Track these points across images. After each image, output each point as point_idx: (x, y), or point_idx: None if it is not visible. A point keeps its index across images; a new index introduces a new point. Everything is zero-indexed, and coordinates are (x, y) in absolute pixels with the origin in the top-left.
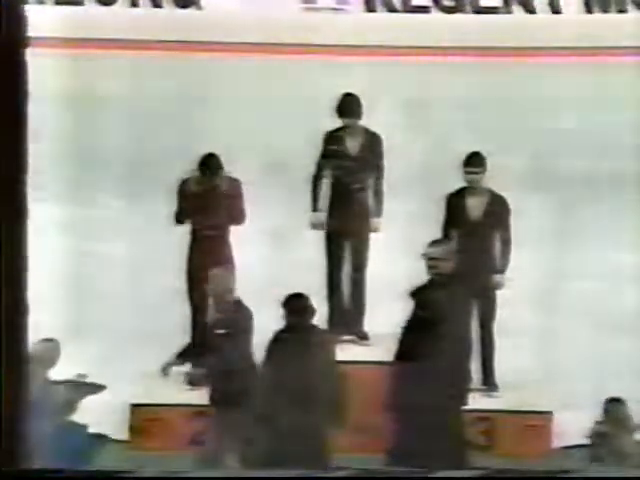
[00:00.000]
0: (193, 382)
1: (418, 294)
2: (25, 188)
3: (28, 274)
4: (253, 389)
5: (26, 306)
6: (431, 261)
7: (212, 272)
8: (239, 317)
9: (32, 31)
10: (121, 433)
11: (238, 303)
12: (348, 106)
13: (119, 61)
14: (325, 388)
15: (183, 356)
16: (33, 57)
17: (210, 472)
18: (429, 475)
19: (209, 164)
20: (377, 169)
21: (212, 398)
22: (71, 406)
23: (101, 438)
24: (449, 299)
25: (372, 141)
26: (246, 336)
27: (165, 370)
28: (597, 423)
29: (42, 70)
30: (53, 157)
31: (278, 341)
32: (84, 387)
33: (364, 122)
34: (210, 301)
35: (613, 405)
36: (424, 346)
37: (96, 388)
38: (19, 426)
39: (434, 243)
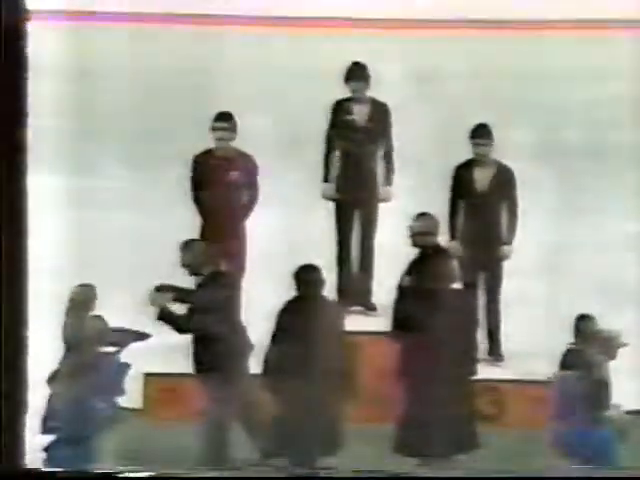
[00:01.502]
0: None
1: (410, 265)
2: (25, 161)
3: (28, 265)
4: (234, 357)
5: (26, 300)
6: (416, 235)
7: (182, 243)
8: (216, 287)
9: (32, 4)
10: (135, 402)
11: (217, 274)
12: (356, 71)
13: (121, 34)
14: (334, 358)
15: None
16: (34, 30)
17: (211, 472)
18: (429, 475)
19: (224, 119)
20: (385, 139)
21: (196, 367)
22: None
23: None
24: (440, 270)
25: (380, 111)
26: (225, 305)
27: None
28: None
29: (43, 43)
30: (57, 130)
31: (288, 311)
32: (131, 334)
33: (373, 94)
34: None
35: (583, 321)
36: (419, 315)
37: (142, 335)
38: (19, 426)
39: (419, 217)
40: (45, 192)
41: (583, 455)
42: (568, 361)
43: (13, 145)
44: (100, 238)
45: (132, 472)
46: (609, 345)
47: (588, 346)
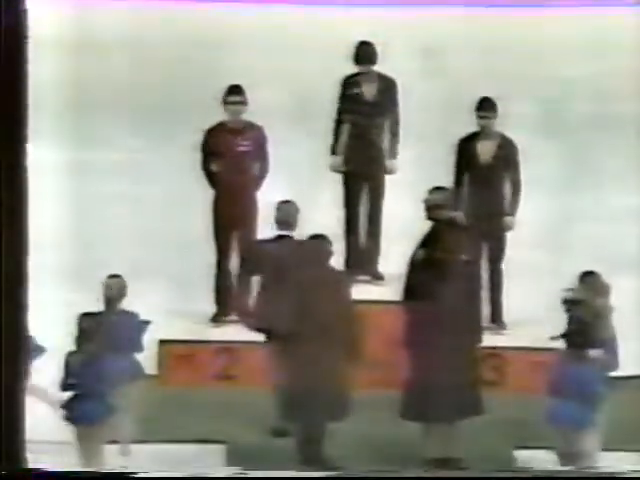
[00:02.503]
0: None
1: (423, 238)
2: (26, 135)
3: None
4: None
5: (26, 284)
6: (431, 208)
7: (279, 202)
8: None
9: None
10: (149, 368)
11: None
12: (364, 53)
13: (125, 7)
14: (342, 326)
15: None
16: (35, 2)
17: (212, 472)
18: (429, 475)
19: (237, 93)
20: (392, 113)
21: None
22: None
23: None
24: (454, 242)
25: (387, 86)
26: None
27: None
28: (569, 290)
29: (45, 15)
30: (59, 102)
31: (297, 279)
32: None
33: (381, 68)
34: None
35: (588, 276)
36: (430, 286)
37: None
38: (19, 426)
39: (434, 190)
40: (46, 165)
41: (569, 391)
42: (574, 312)
43: (13, 119)
44: (102, 209)
45: (134, 472)
46: (605, 294)
47: (592, 296)
